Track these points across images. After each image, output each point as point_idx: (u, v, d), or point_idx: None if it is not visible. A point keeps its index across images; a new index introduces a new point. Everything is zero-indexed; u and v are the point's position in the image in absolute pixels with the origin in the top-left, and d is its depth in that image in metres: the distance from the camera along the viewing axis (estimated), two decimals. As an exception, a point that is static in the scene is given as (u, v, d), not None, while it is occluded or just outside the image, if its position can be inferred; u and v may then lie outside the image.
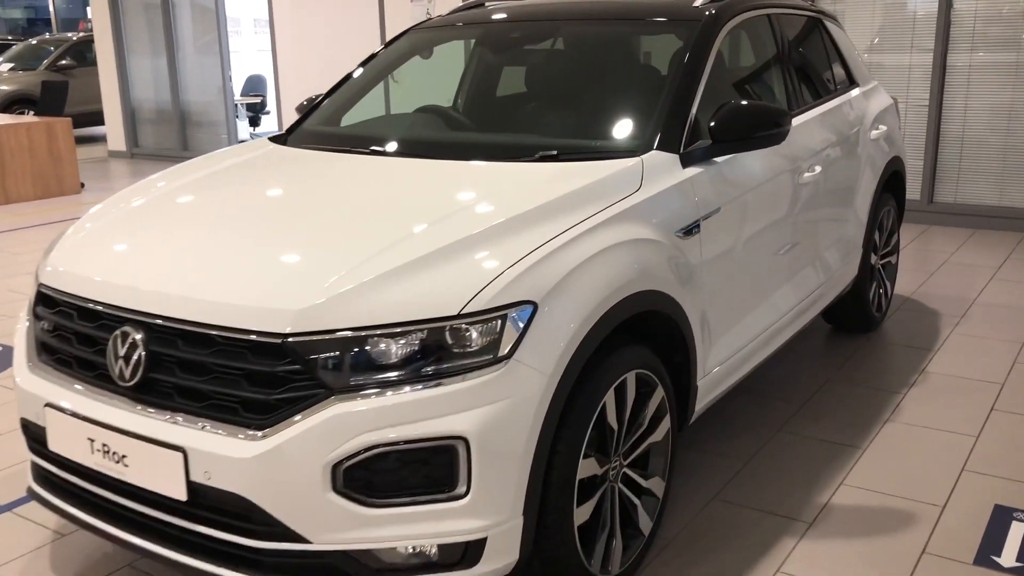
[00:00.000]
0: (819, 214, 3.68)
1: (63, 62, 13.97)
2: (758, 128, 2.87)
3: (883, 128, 4.39)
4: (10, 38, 19.48)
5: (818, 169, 3.56)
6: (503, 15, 3.63)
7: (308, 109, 3.64)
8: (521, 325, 2.09)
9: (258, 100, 12.77)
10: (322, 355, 2.01)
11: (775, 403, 3.77)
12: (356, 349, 2.02)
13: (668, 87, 2.95)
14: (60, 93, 10.07)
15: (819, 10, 4.36)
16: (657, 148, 2.77)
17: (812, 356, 4.35)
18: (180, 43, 11.95)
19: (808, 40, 4.14)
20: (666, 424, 2.66)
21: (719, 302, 2.90)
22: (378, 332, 2.02)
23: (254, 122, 12.90)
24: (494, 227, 2.26)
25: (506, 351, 2.07)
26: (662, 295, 2.55)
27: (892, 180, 4.56)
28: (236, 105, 12.06)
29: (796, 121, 3.54)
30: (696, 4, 3.33)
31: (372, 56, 3.79)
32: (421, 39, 3.75)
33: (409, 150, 3.02)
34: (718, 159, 2.92)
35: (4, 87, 13.45)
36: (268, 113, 12.80)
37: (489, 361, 2.06)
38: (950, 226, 7.07)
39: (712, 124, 2.84)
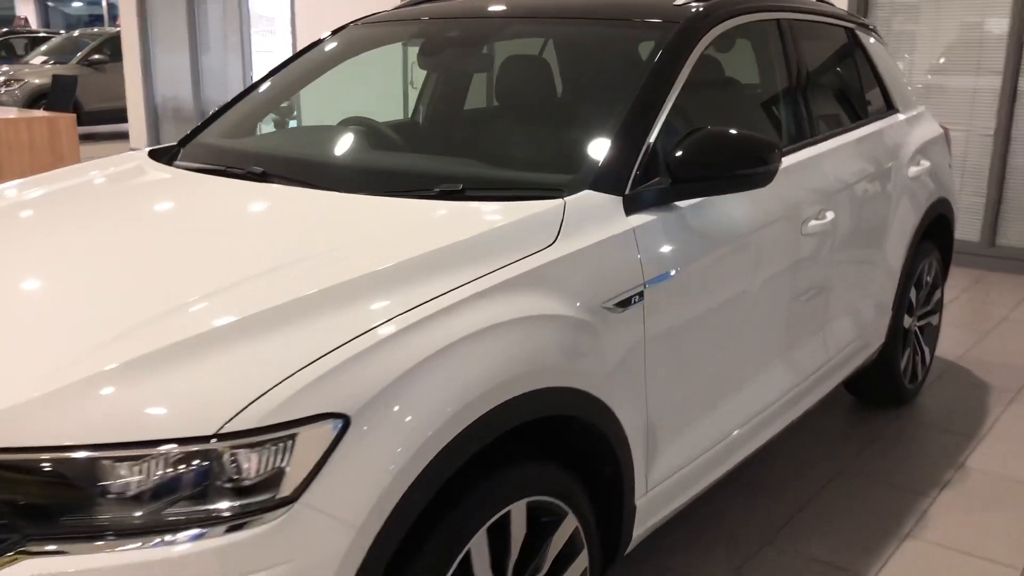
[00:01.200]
0: (831, 271, 2.93)
1: (96, 56, 13.68)
2: (735, 164, 2.16)
3: (926, 164, 3.61)
4: (63, 32, 19.37)
5: (830, 216, 2.82)
6: (437, 11, 2.95)
7: (211, 116, 3.02)
8: (321, 451, 1.43)
9: (284, 102, 12.28)
10: (8, 483, 1.37)
11: (762, 503, 3.02)
12: (60, 479, 1.37)
13: (619, 106, 2.25)
14: (69, 88, 9.70)
15: (852, 18, 3.60)
16: (593, 187, 2.08)
17: (822, 437, 3.59)
18: (205, 40, 11.56)
19: (833, 54, 3.40)
20: (582, 563, 1.96)
21: (671, 395, 2.20)
22: (96, 455, 1.37)
23: (280, 125, 12.42)
24: (310, 298, 1.60)
25: (290, 491, 1.40)
26: (575, 394, 1.86)
27: (936, 226, 3.78)
28: (260, 106, 11.59)
29: (804, 154, 2.81)
30: (678, 2, 2.63)
31: (298, 54, 3.15)
32: (358, 37, 3.10)
33: (289, 174, 2.36)
34: (680, 204, 2.21)
35: (35, 80, 13.20)
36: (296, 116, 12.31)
37: (264, 505, 1.40)
38: (1013, 273, 6.18)
39: (673, 157, 2.13)
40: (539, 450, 1.89)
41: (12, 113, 9.09)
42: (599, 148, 2.18)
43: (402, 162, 2.56)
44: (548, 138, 2.44)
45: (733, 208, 2.37)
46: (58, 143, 8.93)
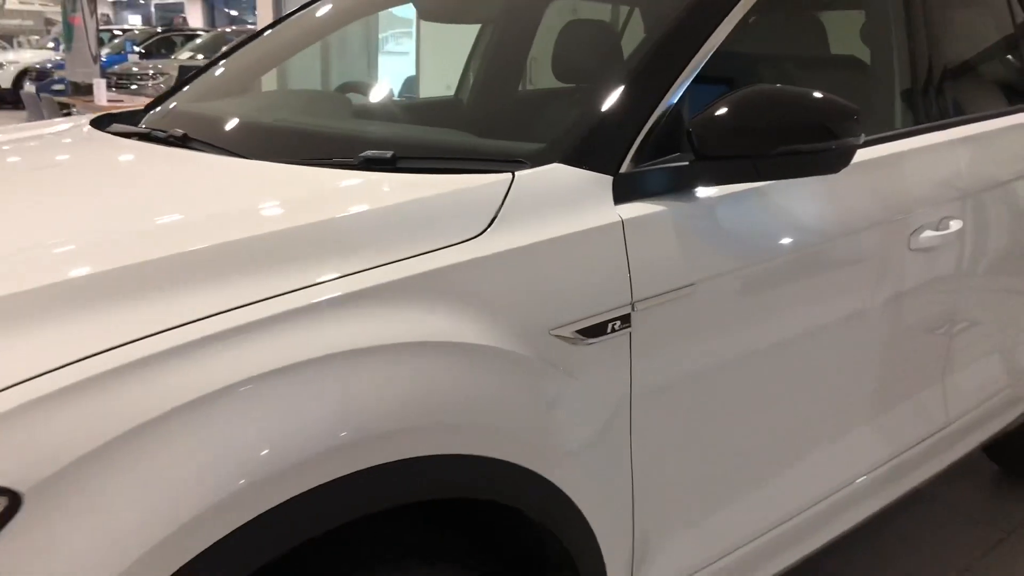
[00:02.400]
0: (957, 301, 2.14)
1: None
2: (791, 137, 1.46)
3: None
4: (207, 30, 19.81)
5: (955, 226, 2.04)
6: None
7: (190, 77, 2.54)
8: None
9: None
10: None
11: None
12: None
13: (622, 52, 1.59)
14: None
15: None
16: (567, 159, 1.43)
17: (940, 520, 2.75)
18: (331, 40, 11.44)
19: (976, 8, 2.58)
20: None
21: (679, 476, 1.53)
22: None
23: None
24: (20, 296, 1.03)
25: None
26: (502, 470, 1.23)
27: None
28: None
29: (922, 140, 2.05)
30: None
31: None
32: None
33: (206, 138, 1.81)
34: (705, 192, 1.53)
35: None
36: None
37: None
38: None
39: (700, 123, 1.45)
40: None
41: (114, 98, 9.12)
42: (584, 106, 1.53)
43: (337, 127, 1.97)
44: (513, 94, 1.79)
45: (795, 203, 1.66)
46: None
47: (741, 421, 1.63)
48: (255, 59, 2.44)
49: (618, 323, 1.37)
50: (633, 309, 1.38)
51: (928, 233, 1.95)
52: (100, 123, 2.18)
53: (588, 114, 1.50)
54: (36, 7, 21.41)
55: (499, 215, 1.30)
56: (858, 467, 1.94)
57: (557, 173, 1.40)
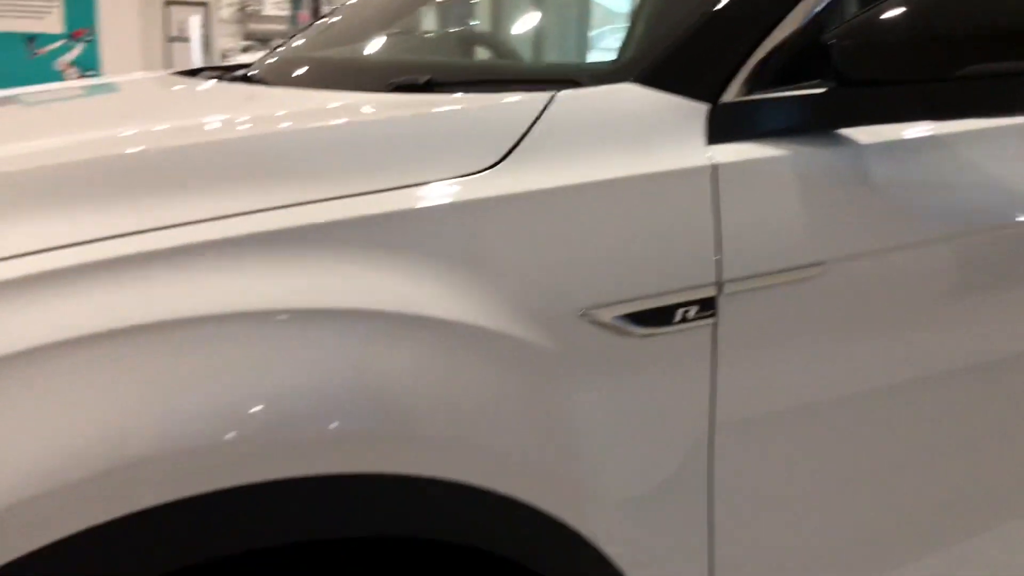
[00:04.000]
0: None
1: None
2: (997, 53, 0.98)
3: None
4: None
5: None
6: None
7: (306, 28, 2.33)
8: None
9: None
10: None
11: None
12: None
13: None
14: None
15: None
16: (642, 79, 1.01)
17: None
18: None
19: None
20: None
21: (776, 541, 1.07)
22: None
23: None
24: None
25: None
26: (488, 505, 0.86)
27: None
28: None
29: None
30: None
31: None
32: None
33: (266, 75, 1.56)
34: (850, 135, 1.06)
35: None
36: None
37: None
38: None
39: (849, 33, 0.99)
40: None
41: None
42: (678, 8, 1.11)
43: (383, 58, 1.65)
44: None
45: (991, 162, 1.14)
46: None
47: (881, 472, 1.14)
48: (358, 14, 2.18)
49: (694, 309, 0.94)
50: (720, 291, 0.95)
51: None
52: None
53: (682, 19, 1.07)
54: (288, 11, 23.08)
55: (521, 145, 0.92)
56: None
57: (623, 95, 1.00)
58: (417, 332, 0.81)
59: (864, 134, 1.05)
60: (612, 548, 0.93)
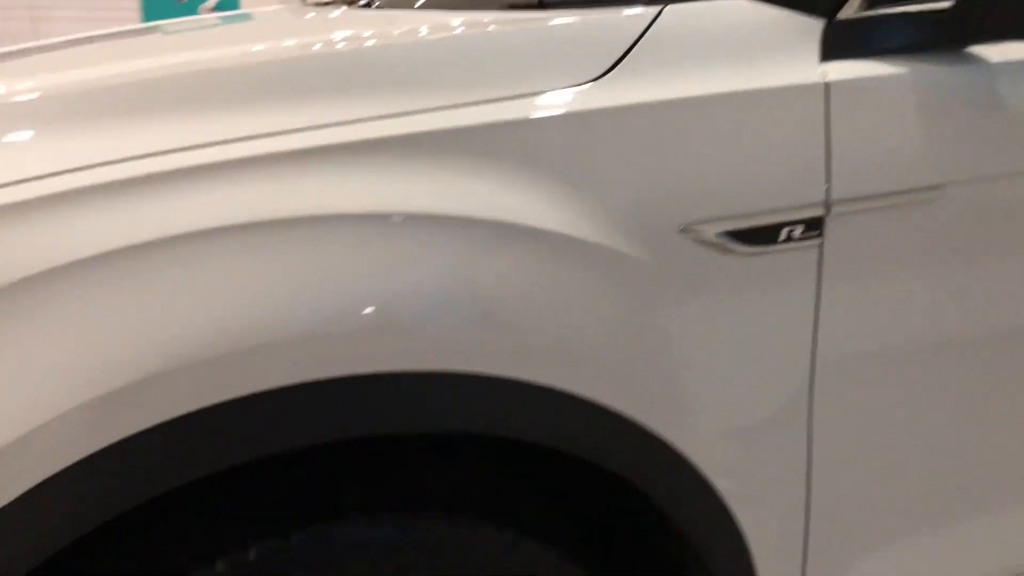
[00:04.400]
0: None
1: None
2: None
3: None
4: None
5: None
6: None
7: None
8: None
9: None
10: None
11: None
12: None
13: None
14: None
15: None
16: (755, -8, 0.99)
17: None
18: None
19: None
20: None
21: (877, 476, 1.06)
22: None
23: None
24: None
25: None
26: (585, 413, 0.88)
27: None
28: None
29: None
30: None
31: None
32: None
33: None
34: (974, 48, 1.01)
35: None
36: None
37: None
38: None
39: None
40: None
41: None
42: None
43: None
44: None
45: None
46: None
47: (990, 417, 1.10)
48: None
49: (800, 229, 0.93)
50: (828, 212, 0.94)
51: None
52: None
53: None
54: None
55: (628, 56, 0.92)
56: None
57: (734, 10, 0.98)
58: (521, 241, 0.84)
59: (993, 52, 1.01)
60: (708, 469, 0.94)
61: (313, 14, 1.65)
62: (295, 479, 0.88)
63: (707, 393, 0.94)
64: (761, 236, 0.92)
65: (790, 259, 0.94)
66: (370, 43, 1.00)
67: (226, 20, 1.82)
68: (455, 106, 0.87)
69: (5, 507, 0.69)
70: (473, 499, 0.94)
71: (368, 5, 1.64)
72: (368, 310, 0.78)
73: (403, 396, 0.80)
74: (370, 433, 0.80)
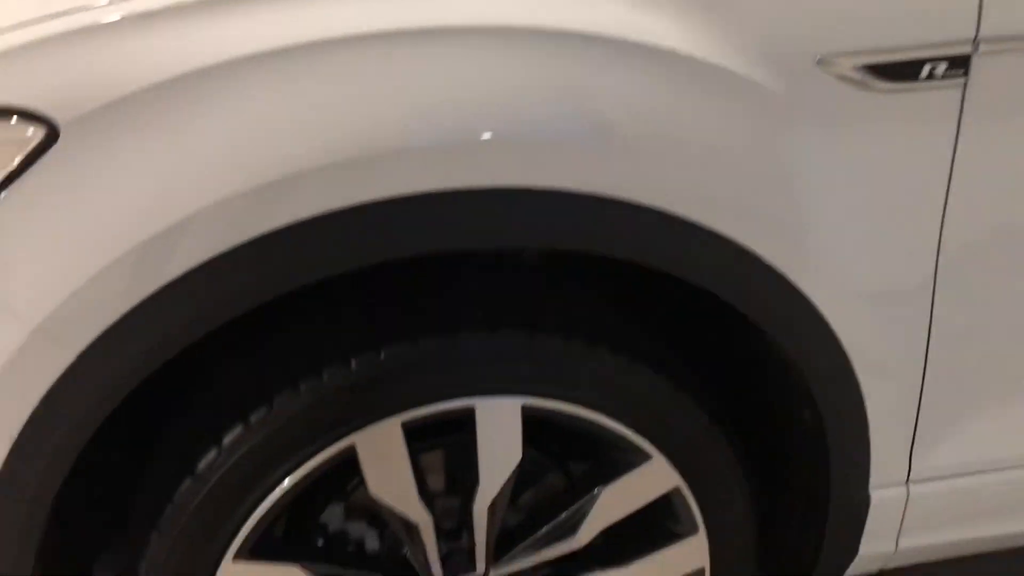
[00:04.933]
0: None
1: None
2: None
3: None
4: None
5: None
6: None
7: None
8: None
9: None
10: None
11: None
12: None
13: None
14: None
15: None
16: None
17: None
18: None
19: None
20: (689, 556, 1.04)
21: (1001, 330, 1.03)
22: None
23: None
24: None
25: None
26: (705, 241, 0.89)
27: None
28: None
29: None
30: None
31: None
32: None
33: None
34: None
35: None
36: None
37: None
38: None
39: None
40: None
41: None
42: None
43: None
44: None
45: None
46: None
47: None
48: None
49: (943, 66, 0.89)
50: (976, 50, 0.90)
51: None
52: None
53: None
54: None
55: None
56: None
57: None
58: (651, 62, 0.84)
59: None
60: (827, 311, 0.93)
61: None
62: (419, 291, 0.93)
63: (830, 236, 0.92)
64: (901, 72, 0.89)
65: (931, 97, 0.90)
66: None
67: None
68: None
69: (187, 273, 0.77)
70: (590, 325, 0.98)
71: None
72: (488, 121, 0.80)
73: (522, 210, 0.83)
74: (500, 245, 0.84)
